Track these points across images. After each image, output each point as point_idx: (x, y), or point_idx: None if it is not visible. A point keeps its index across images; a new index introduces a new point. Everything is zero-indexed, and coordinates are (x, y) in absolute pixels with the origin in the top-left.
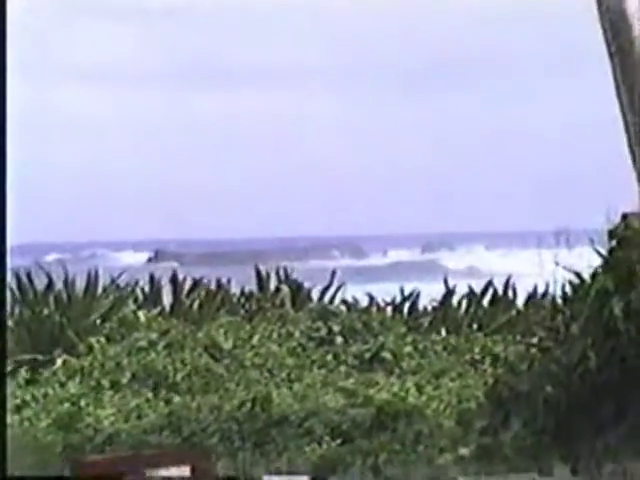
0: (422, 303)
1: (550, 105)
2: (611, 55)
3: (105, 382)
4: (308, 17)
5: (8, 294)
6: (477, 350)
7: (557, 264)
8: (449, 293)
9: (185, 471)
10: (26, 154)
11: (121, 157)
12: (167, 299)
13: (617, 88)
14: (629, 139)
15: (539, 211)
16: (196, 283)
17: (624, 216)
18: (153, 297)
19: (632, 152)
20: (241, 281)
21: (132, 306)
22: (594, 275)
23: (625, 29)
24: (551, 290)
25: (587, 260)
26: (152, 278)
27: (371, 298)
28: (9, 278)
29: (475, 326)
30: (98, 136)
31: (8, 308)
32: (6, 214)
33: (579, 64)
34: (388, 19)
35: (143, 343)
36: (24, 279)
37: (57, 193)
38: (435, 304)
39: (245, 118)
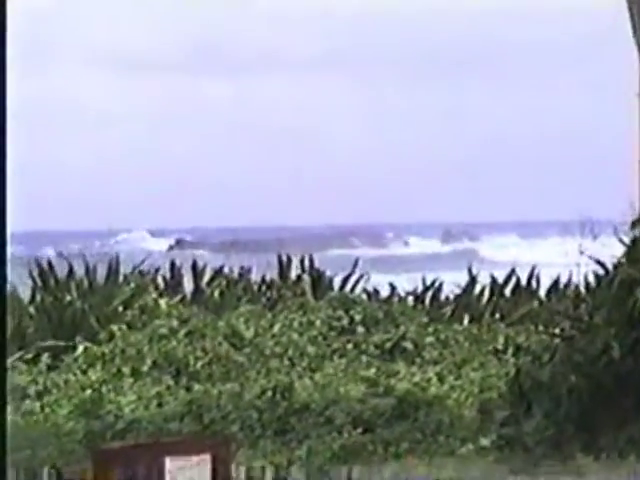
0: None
1: (570, 94)
2: (639, 44)
3: (126, 369)
4: (324, 3)
5: (29, 281)
6: (499, 340)
7: (582, 253)
8: (472, 282)
9: (205, 459)
10: (41, 145)
11: (136, 145)
12: (188, 287)
13: None
14: None
15: (563, 201)
16: (217, 271)
17: None
18: (174, 285)
19: None
20: (262, 269)
21: (153, 294)
22: (618, 264)
23: None
24: (575, 279)
25: (612, 249)
26: (173, 266)
27: (393, 288)
28: (32, 265)
29: (497, 316)
30: (110, 124)
31: (29, 295)
32: (6, 205)
33: (602, 52)
34: (405, 7)
35: (164, 331)
36: (45, 266)
37: (69, 183)
38: (458, 292)
39: (261, 106)
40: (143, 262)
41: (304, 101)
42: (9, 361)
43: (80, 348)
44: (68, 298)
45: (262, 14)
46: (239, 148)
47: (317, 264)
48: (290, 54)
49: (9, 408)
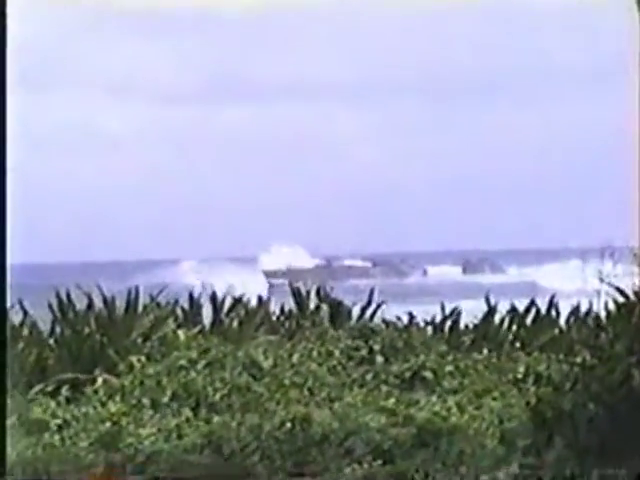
0: None
1: (591, 117)
2: None
3: (145, 401)
4: (338, 31)
5: (49, 313)
6: (520, 369)
7: (602, 281)
8: (490, 311)
9: None
10: (59, 170)
11: (154, 172)
12: (207, 317)
13: None
14: None
15: (582, 226)
16: (236, 301)
17: None
18: (193, 316)
19: None
20: (280, 299)
21: (172, 325)
22: (638, 292)
23: None
24: (595, 308)
25: (632, 277)
26: (191, 297)
27: (411, 317)
28: (52, 298)
29: (518, 344)
30: (131, 151)
31: (49, 327)
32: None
33: (623, 75)
34: (418, 29)
35: (183, 362)
36: (64, 298)
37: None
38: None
39: (278, 132)
40: (161, 292)
41: (318, 128)
42: (31, 393)
43: (99, 380)
44: (87, 330)
45: (279, 42)
46: (255, 175)
47: (335, 294)
48: (309, 80)
49: (30, 441)
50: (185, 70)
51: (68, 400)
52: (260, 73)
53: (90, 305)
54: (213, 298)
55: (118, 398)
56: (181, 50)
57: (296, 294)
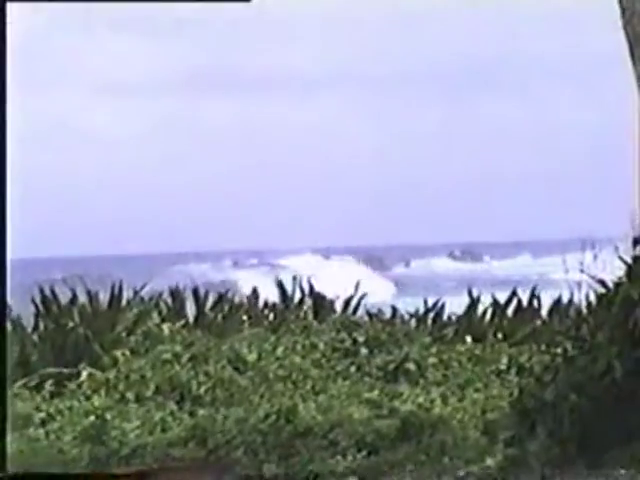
0: None
1: (581, 110)
2: (635, 62)
3: (130, 395)
4: (332, 22)
5: (32, 308)
6: (503, 360)
7: (582, 271)
8: (473, 304)
9: None
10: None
11: (140, 168)
12: (191, 311)
13: None
14: None
15: (565, 219)
16: (221, 295)
17: None
18: (177, 310)
19: None
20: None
21: (156, 319)
22: (619, 283)
23: None
24: (576, 299)
25: (612, 268)
26: (173, 291)
27: (394, 309)
28: (35, 292)
29: (500, 336)
30: (114, 148)
31: (32, 322)
32: (6, 225)
33: (608, 70)
34: (413, 22)
35: (167, 356)
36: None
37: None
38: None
39: (264, 127)
40: (144, 287)
41: (308, 121)
42: (14, 388)
43: (84, 374)
44: (71, 324)
45: (264, 33)
46: (242, 170)
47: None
48: (296, 73)
49: (14, 436)
50: (170, 64)
51: (52, 394)
52: (249, 65)
53: (74, 299)
54: (195, 292)
55: (102, 392)
56: (166, 45)
57: (280, 287)
